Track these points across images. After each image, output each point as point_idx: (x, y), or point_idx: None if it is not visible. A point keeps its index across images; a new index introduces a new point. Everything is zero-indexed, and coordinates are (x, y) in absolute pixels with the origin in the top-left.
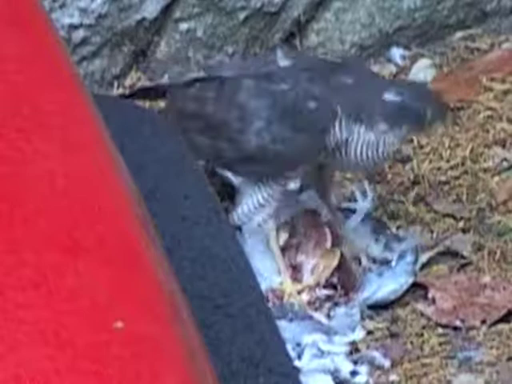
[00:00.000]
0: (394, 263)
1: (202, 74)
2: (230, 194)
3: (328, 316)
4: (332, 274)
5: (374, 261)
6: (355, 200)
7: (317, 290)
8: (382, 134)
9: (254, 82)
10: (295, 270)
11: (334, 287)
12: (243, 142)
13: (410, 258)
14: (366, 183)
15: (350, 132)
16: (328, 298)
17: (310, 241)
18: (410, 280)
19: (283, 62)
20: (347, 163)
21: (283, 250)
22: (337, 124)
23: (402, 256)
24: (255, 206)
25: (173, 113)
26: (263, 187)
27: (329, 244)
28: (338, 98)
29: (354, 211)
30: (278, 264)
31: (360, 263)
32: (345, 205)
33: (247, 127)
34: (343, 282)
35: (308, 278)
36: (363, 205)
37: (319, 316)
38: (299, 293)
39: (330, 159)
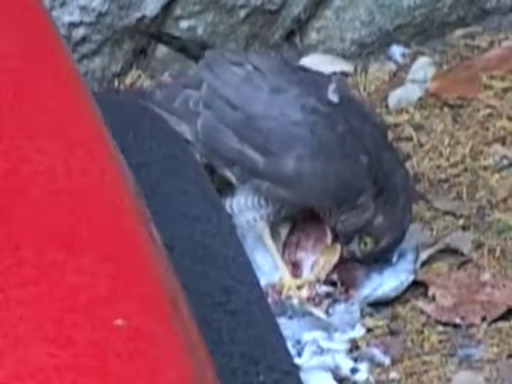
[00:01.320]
0: (394, 261)
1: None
2: (227, 192)
3: (327, 313)
4: (332, 271)
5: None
6: None
7: (317, 286)
8: None
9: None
10: (295, 267)
11: (334, 284)
12: (281, 164)
13: (410, 256)
14: None
15: None
16: (328, 294)
17: (309, 237)
18: (411, 278)
19: (333, 98)
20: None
21: (283, 246)
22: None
23: (402, 254)
24: (248, 206)
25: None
26: (250, 191)
27: (329, 241)
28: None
29: None
30: (274, 260)
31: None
32: None
33: (288, 150)
34: (343, 279)
35: (308, 275)
36: None
37: (318, 312)
38: (299, 288)
39: None
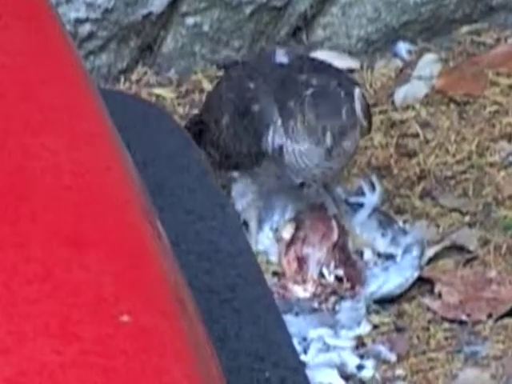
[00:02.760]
0: (399, 257)
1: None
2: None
3: (333, 310)
4: (338, 268)
5: (380, 255)
6: (363, 194)
7: (323, 282)
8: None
9: (238, 74)
10: (301, 262)
11: (340, 280)
12: (219, 131)
13: (415, 252)
14: (374, 177)
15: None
16: (334, 292)
17: (316, 234)
18: (416, 274)
19: (279, 59)
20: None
21: (290, 242)
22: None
23: (407, 250)
24: (236, 194)
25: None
26: (241, 178)
27: (335, 237)
28: (281, 105)
29: (361, 205)
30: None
31: (364, 257)
32: (353, 199)
33: (221, 117)
34: (349, 276)
35: (314, 270)
36: (371, 199)
37: (324, 309)
38: (304, 282)
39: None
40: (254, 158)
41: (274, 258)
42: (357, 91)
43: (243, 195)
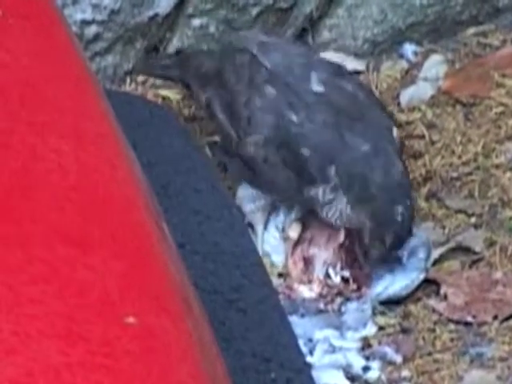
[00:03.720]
0: (405, 259)
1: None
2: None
3: (339, 311)
4: (344, 269)
5: (386, 259)
6: None
7: (329, 283)
8: None
9: (275, 94)
10: (307, 263)
11: (346, 281)
12: (244, 144)
13: (421, 254)
14: None
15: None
16: (339, 293)
17: (323, 234)
18: (422, 276)
19: (315, 87)
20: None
21: (296, 243)
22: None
23: (413, 252)
24: (245, 196)
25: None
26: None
27: (342, 238)
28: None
29: None
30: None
31: (371, 258)
32: None
33: (249, 134)
34: (355, 277)
35: (320, 271)
36: None
37: (330, 310)
38: (310, 283)
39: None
40: (286, 192)
41: (279, 259)
42: (394, 130)
43: (252, 199)
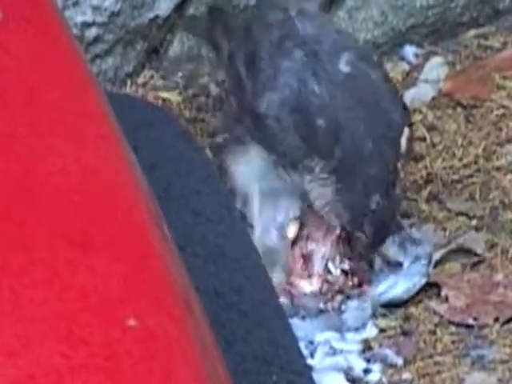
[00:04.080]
0: (407, 263)
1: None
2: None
3: (339, 309)
4: (343, 262)
5: (388, 262)
6: None
7: (329, 278)
8: None
9: (303, 61)
10: (306, 259)
11: (346, 275)
12: (258, 101)
13: (423, 259)
14: None
15: None
16: (340, 290)
17: (319, 229)
18: (423, 280)
19: (343, 68)
20: None
21: (295, 241)
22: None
23: (415, 256)
24: (242, 161)
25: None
26: (255, 148)
27: (338, 230)
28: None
29: None
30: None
31: (372, 263)
32: None
33: (265, 91)
34: (355, 271)
35: (319, 266)
36: None
37: (330, 309)
38: (310, 277)
39: None
40: (294, 160)
41: (279, 257)
42: (406, 131)
43: (245, 169)
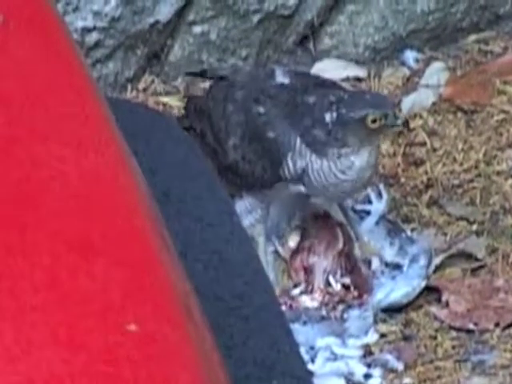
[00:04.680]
0: (406, 267)
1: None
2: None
3: (342, 318)
4: (344, 276)
5: (387, 264)
6: (370, 202)
7: (330, 290)
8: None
9: (243, 96)
10: (307, 272)
11: (347, 288)
12: (225, 152)
13: (423, 261)
14: (381, 185)
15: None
16: (341, 300)
17: (321, 242)
18: (423, 283)
19: (279, 79)
20: (314, 190)
21: (296, 252)
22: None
23: (415, 259)
24: (243, 210)
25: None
26: (249, 194)
27: (340, 245)
28: (297, 127)
29: (368, 213)
30: (267, 271)
31: (370, 264)
32: (359, 207)
33: (228, 139)
34: (356, 284)
35: (320, 279)
36: (378, 206)
37: (332, 317)
38: (311, 292)
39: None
40: (267, 182)
41: (280, 268)
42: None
43: (249, 212)
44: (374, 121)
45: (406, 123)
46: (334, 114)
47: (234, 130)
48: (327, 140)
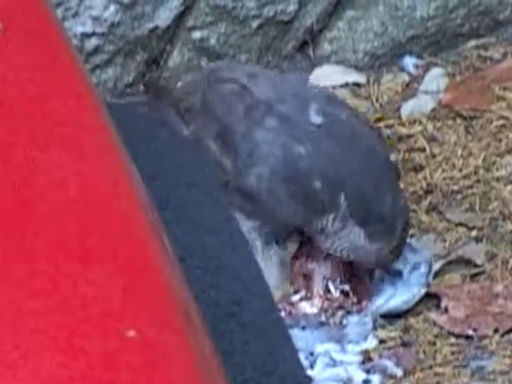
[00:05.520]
0: (407, 274)
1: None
2: None
3: (341, 324)
4: (344, 282)
5: (388, 271)
6: None
7: (329, 297)
8: None
9: (277, 126)
10: (306, 278)
11: (347, 295)
12: (244, 176)
13: (423, 268)
14: None
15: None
16: (340, 306)
17: (321, 249)
18: (423, 291)
19: (315, 120)
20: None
21: (294, 258)
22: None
23: (416, 267)
24: (241, 217)
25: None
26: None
27: None
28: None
29: None
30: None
31: (372, 273)
32: None
33: (252, 166)
34: (355, 290)
35: (319, 286)
36: None
37: (332, 323)
38: (311, 298)
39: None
40: (291, 227)
41: (278, 274)
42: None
43: (247, 219)
44: None
45: None
46: None
47: (265, 160)
48: None
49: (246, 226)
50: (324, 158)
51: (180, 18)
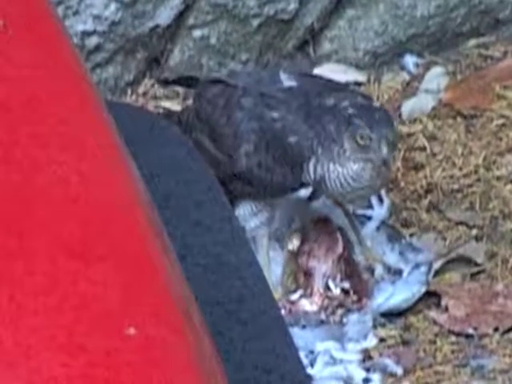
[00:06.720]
0: (407, 272)
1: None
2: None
3: (341, 323)
4: (344, 280)
5: (389, 269)
6: (371, 207)
7: (329, 295)
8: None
9: (251, 102)
10: (307, 276)
11: (347, 293)
12: (235, 160)
13: (423, 267)
14: (382, 190)
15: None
16: (340, 304)
17: (321, 246)
18: (423, 289)
19: (287, 83)
20: (333, 195)
21: (296, 255)
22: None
23: (416, 266)
24: (248, 213)
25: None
26: (255, 199)
27: (340, 249)
28: (315, 131)
29: (369, 218)
30: (267, 274)
31: (373, 271)
32: (361, 211)
33: (238, 147)
34: (355, 289)
35: (320, 283)
36: (379, 212)
37: (332, 322)
38: (311, 296)
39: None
40: (287, 189)
41: (279, 271)
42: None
43: (254, 214)
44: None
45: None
46: (351, 128)
47: (246, 137)
48: (342, 148)
49: (254, 222)
50: (295, 115)
51: (181, 16)
